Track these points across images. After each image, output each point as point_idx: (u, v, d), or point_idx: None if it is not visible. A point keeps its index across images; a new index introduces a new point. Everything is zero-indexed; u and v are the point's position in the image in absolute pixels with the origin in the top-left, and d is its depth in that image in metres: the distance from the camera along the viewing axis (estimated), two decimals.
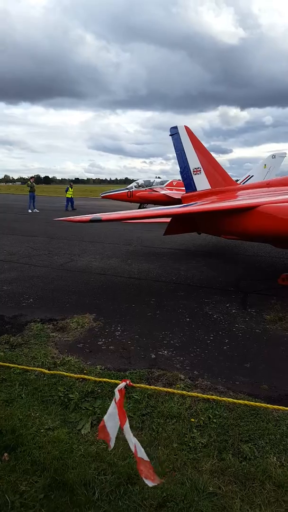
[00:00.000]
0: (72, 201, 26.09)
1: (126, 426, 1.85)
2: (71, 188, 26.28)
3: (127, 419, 1.88)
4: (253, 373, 4.09)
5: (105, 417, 1.98)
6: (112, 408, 1.83)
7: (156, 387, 2.54)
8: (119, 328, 5.35)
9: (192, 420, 3.15)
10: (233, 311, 6.07)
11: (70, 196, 26.02)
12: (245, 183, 17.24)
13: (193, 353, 4.58)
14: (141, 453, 1.86)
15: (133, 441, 1.85)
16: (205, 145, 11.54)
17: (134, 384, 1.98)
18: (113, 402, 1.82)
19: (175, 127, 11.42)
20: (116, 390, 1.82)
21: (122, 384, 1.83)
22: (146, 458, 1.87)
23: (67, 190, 26.33)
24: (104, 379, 2.72)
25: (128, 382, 1.83)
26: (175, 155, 11.77)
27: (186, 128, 11.20)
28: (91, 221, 6.91)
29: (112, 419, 1.91)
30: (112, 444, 2.04)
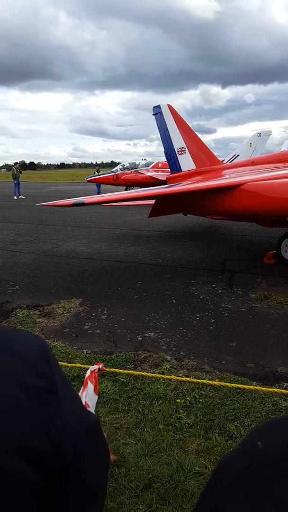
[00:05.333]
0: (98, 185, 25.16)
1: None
2: (98, 172, 25.77)
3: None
4: (239, 351, 4.11)
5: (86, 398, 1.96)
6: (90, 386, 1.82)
7: (129, 371, 2.52)
8: (105, 311, 5.31)
9: (178, 400, 3.15)
10: (220, 291, 6.07)
11: None
12: (231, 162, 17.12)
13: (180, 334, 4.58)
14: None
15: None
16: (189, 125, 11.37)
17: (106, 369, 1.95)
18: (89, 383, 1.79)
19: (158, 106, 11.20)
20: (89, 370, 1.80)
21: (95, 367, 1.81)
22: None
23: (94, 174, 25.93)
24: (79, 365, 2.68)
25: (101, 366, 1.81)
26: (159, 135, 11.58)
27: (169, 107, 10.99)
28: (74, 204, 6.79)
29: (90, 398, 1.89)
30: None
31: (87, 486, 0.59)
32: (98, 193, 23.53)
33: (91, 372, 1.80)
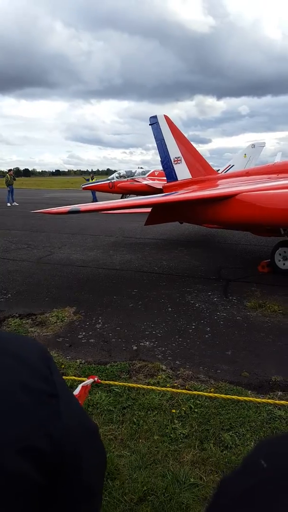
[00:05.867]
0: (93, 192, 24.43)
1: None
2: (92, 179, 25.42)
3: None
4: (234, 360, 4.09)
5: None
6: None
7: (124, 383, 2.49)
8: (100, 320, 5.27)
9: (173, 411, 3.12)
10: (215, 299, 6.07)
11: None
12: (226, 172, 17.24)
13: (175, 342, 4.55)
14: None
15: None
16: (184, 135, 11.48)
17: (101, 381, 1.91)
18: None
19: (155, 117, 11.29)
20: (80, 385, 1.76)
21: (89, 381, 1.76)
22: None
23: (87, 180, 25.53)
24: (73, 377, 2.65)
25: (96, 379, 1.77)
26: (155, 144, 11.66)
27: (166, 117, 11.09)
28: (70, 212, 6.79)
29: None
30: None
31: (86, 485, 0.61)
32: (94, 200, 23.25)
33: (82, 387, 1.75)
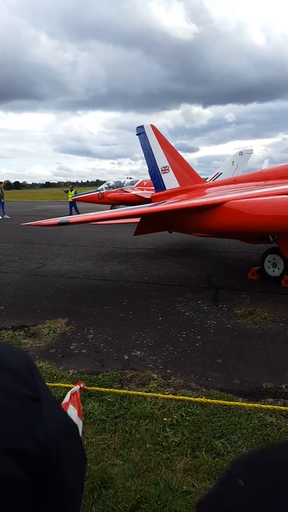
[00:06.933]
0: (73, 205, 23.85)
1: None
2: (71, 191, 25.24)
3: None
4: (225, 368, 4.14)
5: None
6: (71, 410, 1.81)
7: (109, 389, 2.53)
8: (91, 331, 5.30)
9: (165, 419, 3.15)
10: (205, 307, 6.13)
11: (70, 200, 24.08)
12: (214, 180, 17.45)
13: (166, 351, 4.59)
14: None
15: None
16: (172, 144, 11.64)
17: (88, 388, 1.95)
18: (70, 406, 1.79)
19: (141, 126, 11.43)
20: (68, 393, 1.80)
21: (76, 387, 1.80)
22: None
23: (66, 192, 25.48)
24: (62, 384, 2.67)
25: (82, 385, 1.81)
26: (143, 154, 11.79)
27: (153, 127, 11.24)
28: (59, 224, 6.82)
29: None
30: None
31: (68, 488, 0.63)
32: (71, 213, 22.79)
33: (72, 395, 1.79)
